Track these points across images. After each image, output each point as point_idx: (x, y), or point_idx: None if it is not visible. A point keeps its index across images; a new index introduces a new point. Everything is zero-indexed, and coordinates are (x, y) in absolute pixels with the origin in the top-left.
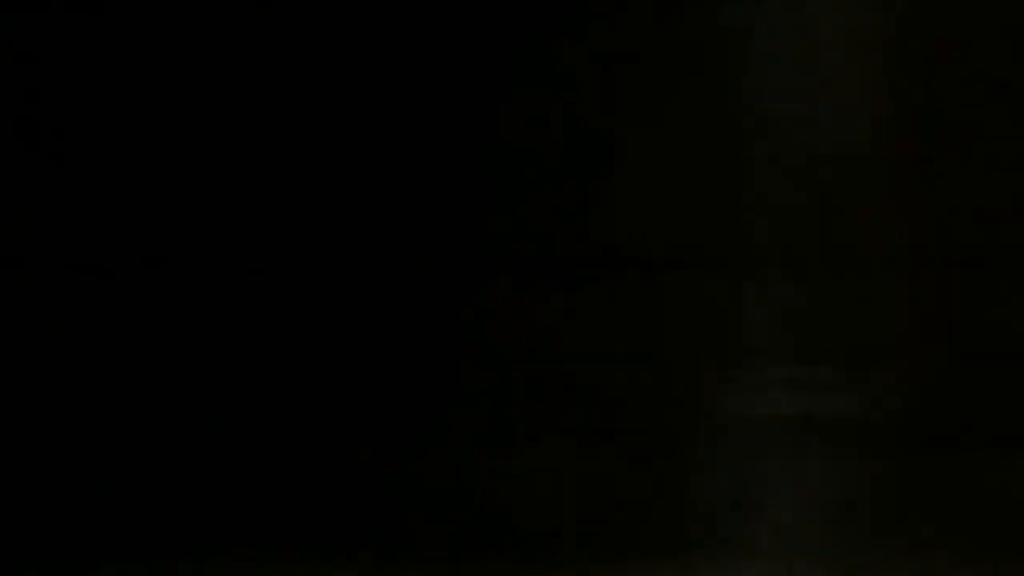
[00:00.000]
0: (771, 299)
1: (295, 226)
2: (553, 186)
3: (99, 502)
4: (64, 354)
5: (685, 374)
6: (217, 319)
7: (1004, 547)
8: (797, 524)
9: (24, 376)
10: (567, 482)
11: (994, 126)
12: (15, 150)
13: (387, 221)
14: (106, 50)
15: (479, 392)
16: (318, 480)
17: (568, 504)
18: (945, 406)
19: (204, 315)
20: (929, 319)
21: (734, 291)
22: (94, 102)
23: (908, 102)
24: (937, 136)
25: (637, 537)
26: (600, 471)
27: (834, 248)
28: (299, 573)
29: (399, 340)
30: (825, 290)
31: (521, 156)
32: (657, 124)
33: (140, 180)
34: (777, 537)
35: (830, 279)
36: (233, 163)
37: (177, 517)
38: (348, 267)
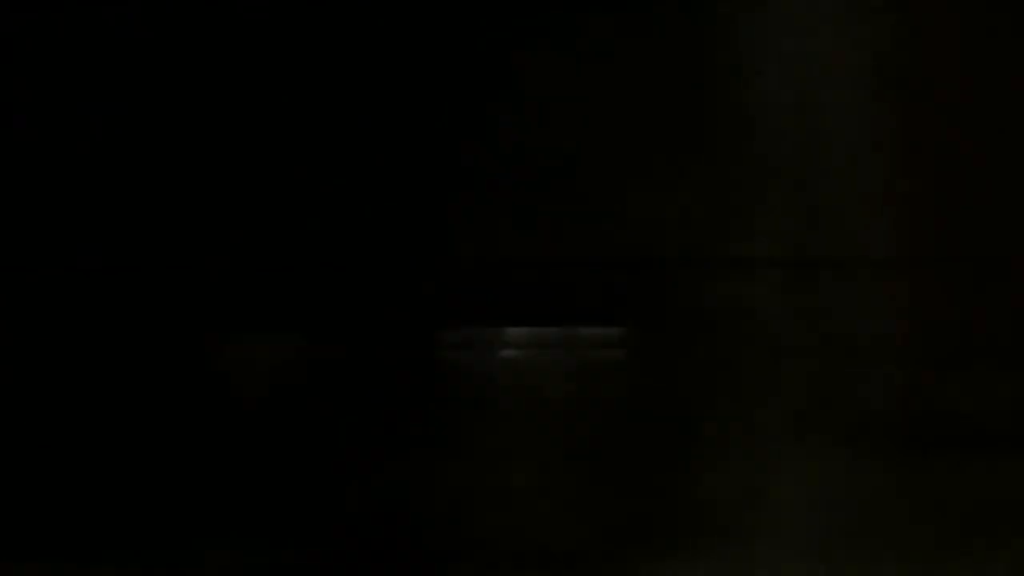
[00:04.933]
0: (775, 298)
1: (296, 226)
2: (545, 189)
3: (95, 502)
4: (53, 356)
5: (686, 375)
6: (201, 319)
7: (1003, 547)
8: (796, 523)
9: (18, 377)
10: (565, 483)
11: (995, 127)
12: (10, 147)
13: (370, 222)
14: (103, 46)
15: (469, 398)
16: (308, 485)
17: (567, 505)
18: (944, 406)
19: (189, 319)
20: (928, 318)
21: (741, 290)
22: (90, 99)
23: (909, 105)
24: (938, 137)
25: (635, 537)
26: (597, 472)
27: (833, 248)
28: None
29: (387, 338)
30: (825, 289)
31: (522, 160)
32: (659, 127)
33: (117, 180)
34: (777, 536)
35: (831, 279)
36: (224, 161)
37: (168, 516)
38: (339, 272)
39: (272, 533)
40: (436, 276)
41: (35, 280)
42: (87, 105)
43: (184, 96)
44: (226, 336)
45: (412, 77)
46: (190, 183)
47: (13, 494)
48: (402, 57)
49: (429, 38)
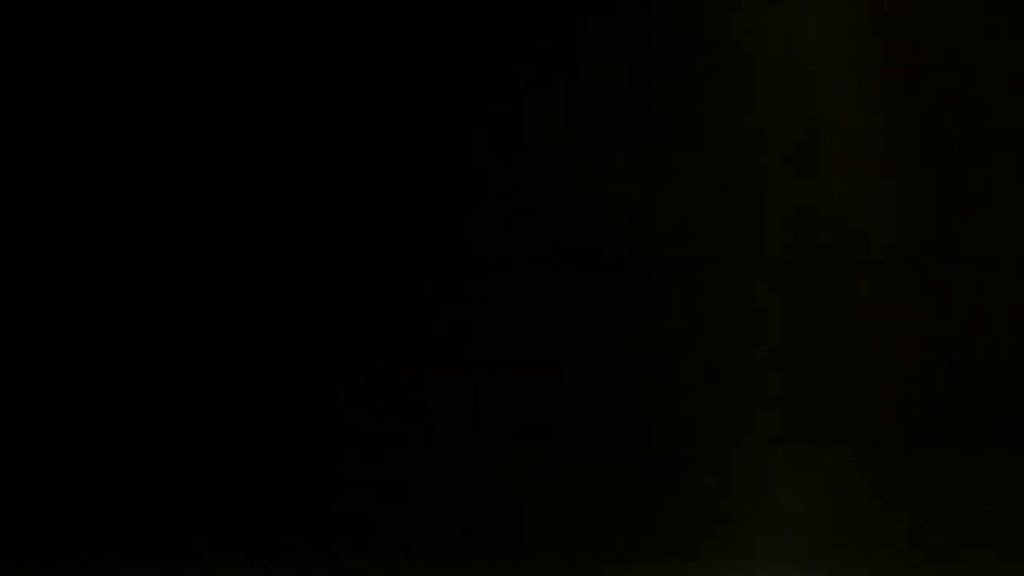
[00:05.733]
0: (771, 299)
1: (292, 221)
2: (549, 182)
3: (94, 501)
4: (51, 354)
5: (685, 375)
6: (201, 318)
7: (1004, 548)
8: (796, 525)
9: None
10: (564, 483)
11: (997, 126)
12: (9, 147)
13: (375, 215)
14: (103, 46)
15: (478, 390)
16: (311, 480)
17: (567, 505)
18: (945, 406)
19: (189, 313)
20: (929, 319)
21: (736, 290)
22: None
23: (912, 102)
24: (942, 135)
25: (636, 538)
26: (597, 473)
27: (833, 248)
28: (290, 572)
29: (387, 338)
30: (824, 290)
31: (521, 153)
32: (656, 121)
33: (118, 178)
34: (777, 538)
35: (829, 279)
36: (223, 159)
37: (169, 516)
38: (340, 264)
39: (280, 534)
40: (433, 275)
41: (35, 280)
42: (87, 105)
43: (184, 95)
44: (229, 336)
45: (409, 77)
46: (189, 182)
47: (13, 494)
48: (398, 56)
49: (426, 38)
